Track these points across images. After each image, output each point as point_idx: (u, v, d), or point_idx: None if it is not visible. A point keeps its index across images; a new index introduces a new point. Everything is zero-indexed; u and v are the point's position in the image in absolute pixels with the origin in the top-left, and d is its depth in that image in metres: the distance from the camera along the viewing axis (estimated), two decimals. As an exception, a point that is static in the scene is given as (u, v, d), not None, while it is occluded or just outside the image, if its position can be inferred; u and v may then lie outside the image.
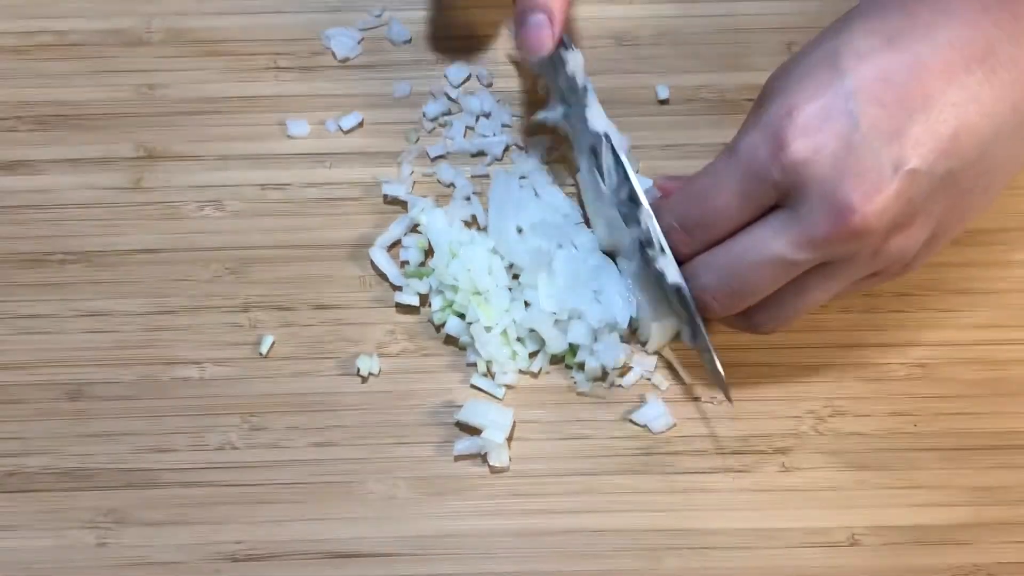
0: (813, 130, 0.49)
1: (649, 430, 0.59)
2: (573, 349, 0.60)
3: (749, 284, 0.52)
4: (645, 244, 0.56)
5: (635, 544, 0.57)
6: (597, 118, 0.59)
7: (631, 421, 0.59)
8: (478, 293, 0.60)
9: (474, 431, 0.59)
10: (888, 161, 0.49)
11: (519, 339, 0.60)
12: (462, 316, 0.60)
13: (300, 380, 0.60)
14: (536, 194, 0.63)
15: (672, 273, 0.56)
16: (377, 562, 0.57)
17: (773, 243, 0.51)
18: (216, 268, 0.63)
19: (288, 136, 0.66)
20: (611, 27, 0.69)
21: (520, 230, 0.62)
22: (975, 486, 0.58)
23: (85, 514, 0.58)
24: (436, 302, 0.61)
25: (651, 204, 0.57)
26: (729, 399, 0.58)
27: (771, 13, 0.68)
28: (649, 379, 0.60)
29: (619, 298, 0.59)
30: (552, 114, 0.62)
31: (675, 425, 0.59)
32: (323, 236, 0.63)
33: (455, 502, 0.58)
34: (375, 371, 0.60)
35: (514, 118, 0.66)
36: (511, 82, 0.67)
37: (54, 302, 0.62)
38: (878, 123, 0.49)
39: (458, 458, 0.59)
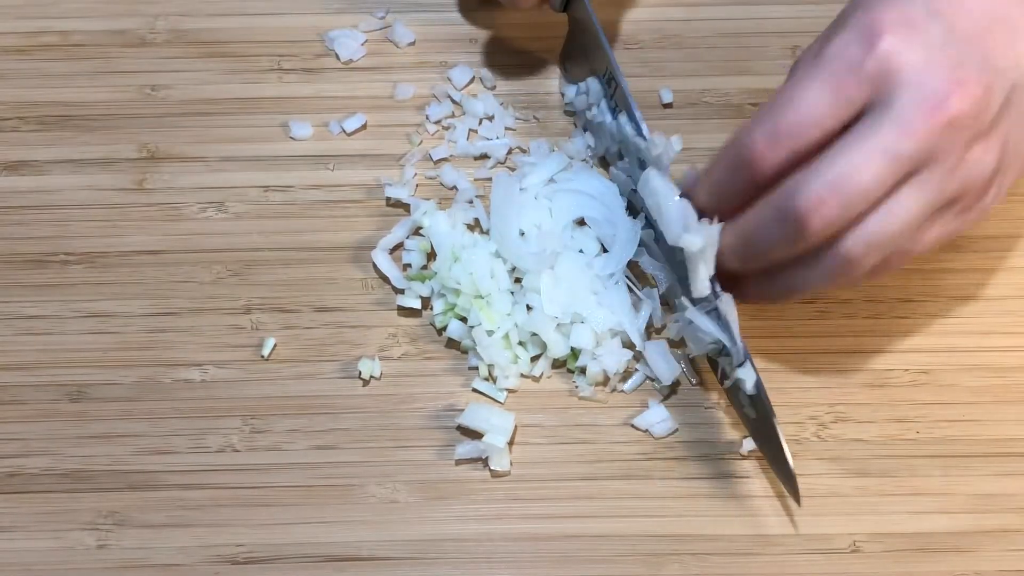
0: (904, 26, 0.51)
1: (651, 435, 0.59)
2: (575, 353, 0.60)
3: (855, 185, 0.51)
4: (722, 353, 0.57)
5: (636, 550, 0.57)
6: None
7: (633, 426, 0.59)
8: (480, 297, 0.60)
9: (475, 435, 0.59)
10: (973, 59, 0.51)
11: (520, 343, 0.60)
12: (464, 320, 0.60)
13: (301, 383, 0.60)
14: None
15: (750, 384, 0.55)
16: (377, 566, 0.57)
17: (874, 139, 0.51)
18: (218, 270, 0.63)
19: (291, 138, 0.66)
20: (616, 30, 0.69)
21: (522, 233, 0.62)
22: (977, 493, 0.58)
23: (85, 516, 0.58)
24: (438, 305, 0.61)
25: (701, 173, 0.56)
26: (798, 501, 0.57)
27: (775, 17, 0.68)
28: (652, 383, 0.60)
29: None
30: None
31: (677, 430, 0.59)
32: (325, 238, 0.63)
33: (456, 506, 0.58)
34: (376, 374, 0.60)
35: (517, 121, 0.66)
36: (514, 85, 0.67)
37: (56, 303, 0.62)
38: (960, 28, 0.52)
39: (459, 462, 0.59)
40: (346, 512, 0.58)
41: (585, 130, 0.66)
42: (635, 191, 0.61)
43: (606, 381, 0.60)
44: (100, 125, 0.66)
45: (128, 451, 0.59)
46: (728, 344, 0.56)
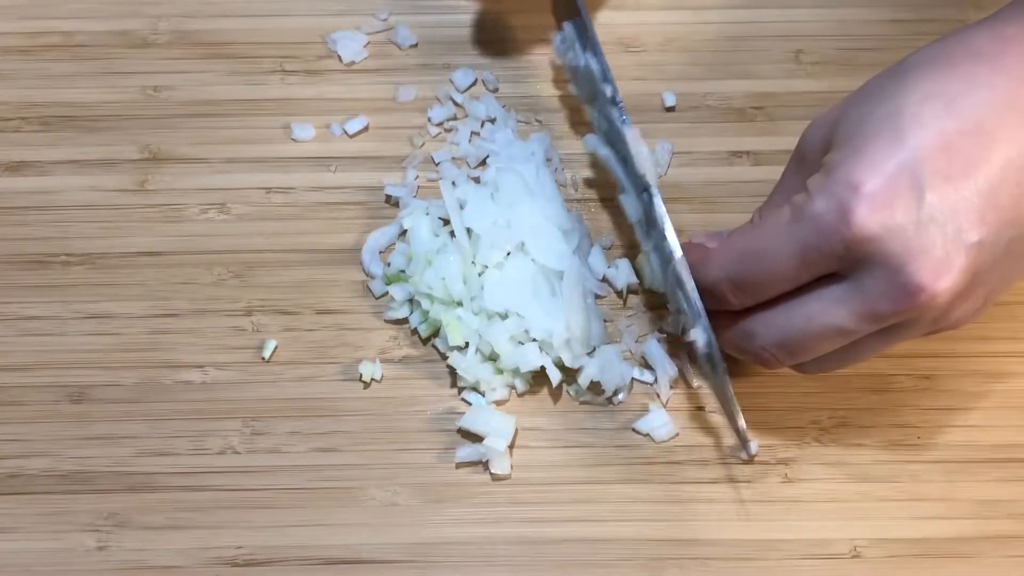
0: (882, 205, 0.48)
1: (652, 439, 0.59)
2: (570, 371, 0.60)
3: (808, 348, 0.52)
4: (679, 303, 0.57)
5: (636, 554, 0.57)
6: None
7: (634, 430, 0.59)
8: (455, 303, 0.60)
9: (476, 438, 0.59)
10: (956, 236, 0.48)
11: (493, 356, 0.59)
12: (438, 331, 0.60)
13: (302, 385, 0.60)
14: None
15: (702, 343, 0.55)
16: (377, 569, 0.57)
17: (835, 314, 0.50)
18: (219, 272, 0.63)
19: (293, 140, 0.66)
20: (618, 33, 0.69)
21: (470, 232, 0.61)
22: (979, 499, 0.58)
23: (85, 517, 0.58)
24: (415, 317, 0.61)
25: (694, 261, 0.55)
26: (750, 456, 0.58)
27: (778, 21, 0.68)
28: (652, 387, 0.60)
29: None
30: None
31: (678, 434, 0.59)
32: (327, 240, 0.63)
33: (456, 510, 0.58)
34: (377, 377, 0.60)
35: (519, 123, 0.66)
36: (517, 87, 0.67)
37: (57, 304, 0.62)
38: (945, 197, 0.48)
39: (460, 465, 0.59)
40: (346, 515, 0.58)
41: (571, 81, 0.65)
42: (609, 132, 0.61)
43: (600, 392, 0.60)
44: (102, 126, 0.66)
45: (128, 453, 0.59)
46: (683, 303, 0.56)
